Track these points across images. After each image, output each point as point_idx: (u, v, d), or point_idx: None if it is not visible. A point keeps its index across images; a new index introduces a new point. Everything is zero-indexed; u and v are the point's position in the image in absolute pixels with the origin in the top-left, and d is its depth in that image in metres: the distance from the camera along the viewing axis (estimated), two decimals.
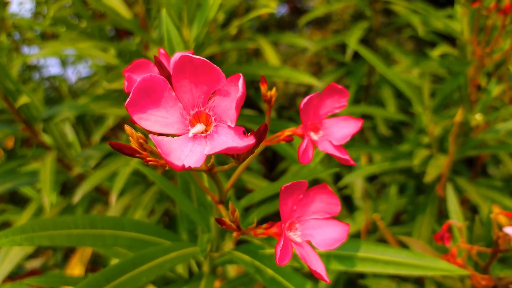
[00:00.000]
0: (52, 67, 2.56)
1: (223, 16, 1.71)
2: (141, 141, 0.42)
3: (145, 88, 0.38)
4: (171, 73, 0.39)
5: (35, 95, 1.50)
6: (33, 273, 1.52)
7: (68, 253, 1.86)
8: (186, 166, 0.35)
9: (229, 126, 0.40)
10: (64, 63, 2.44)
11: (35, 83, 2.24)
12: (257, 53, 2.38)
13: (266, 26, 2.67)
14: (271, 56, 1.74)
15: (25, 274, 1.45)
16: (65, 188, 1.87)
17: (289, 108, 2.54)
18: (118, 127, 2.31)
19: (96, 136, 1.67)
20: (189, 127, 0.41)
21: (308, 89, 2.49)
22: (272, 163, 2.37)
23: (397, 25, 2.00)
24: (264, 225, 0.53)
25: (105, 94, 1.49)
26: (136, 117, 0.38)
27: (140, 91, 0.38)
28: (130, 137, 0.42)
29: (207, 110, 0.41)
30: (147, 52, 1.48)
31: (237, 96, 0.37)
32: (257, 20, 2.44)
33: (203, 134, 0.41)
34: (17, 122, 1.39)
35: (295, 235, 0.54)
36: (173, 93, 0.41)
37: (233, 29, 1.23)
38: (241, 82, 0.37)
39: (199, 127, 0.40)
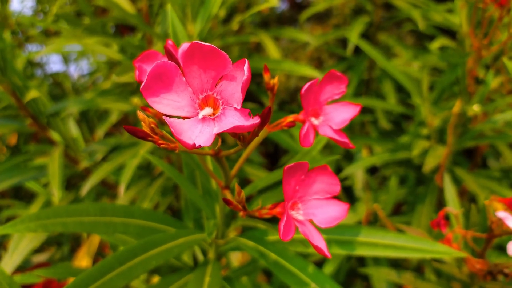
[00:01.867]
0: (54, 64, 2.56)
1: (225, 11, 1.73)
2: (152, 125, 0.45)
3: (158, 73, 0.41)
4: (180, 60, 0.42)
5: (41, 90, 1.53)
6: (40, 265, 1.55)
7: (74, 247, 1.89)
8: (197, 145, 0.39)
9: (235, 108, 0.43)
10: (66, 60, 2.45)
11: (38, 79, 2.26)
12: (258, 48, 2.39)
13: (267, 22, 2.68)
14: (272, 50, 1.76)
15: (33, 267, 1.49)
16: (69, 183, 1.90)
17: (290, 103, 2.56)
18: (120, 124, 2.33)
19: (100, 132, 1.69)
20: (199, 110, 0.44)
21: None
22: (274, 157, 2.40)
23: (398, 19, 2.00)
24: (269, 206, 0.56)
25: (110, 89, 1.52)
26: (150, 100, 0.41)
27: (154, 76, 0.41)
28: (142, 122, 0.45)
29: (215, 95, 0.44)
30: (151, 47, 1.51)
31: (242, 79, 0.40)
32: (258, 16, 2.45)
33: (211, 117, 0.44)
34: (23, 117, 1.41)
35: (298, 214, 0.57)
36: (184, 79, 0.44)
37: (235, 25, 1.25)
38: (246, 66, 0.40)
39: (208, 110, 0.43)
